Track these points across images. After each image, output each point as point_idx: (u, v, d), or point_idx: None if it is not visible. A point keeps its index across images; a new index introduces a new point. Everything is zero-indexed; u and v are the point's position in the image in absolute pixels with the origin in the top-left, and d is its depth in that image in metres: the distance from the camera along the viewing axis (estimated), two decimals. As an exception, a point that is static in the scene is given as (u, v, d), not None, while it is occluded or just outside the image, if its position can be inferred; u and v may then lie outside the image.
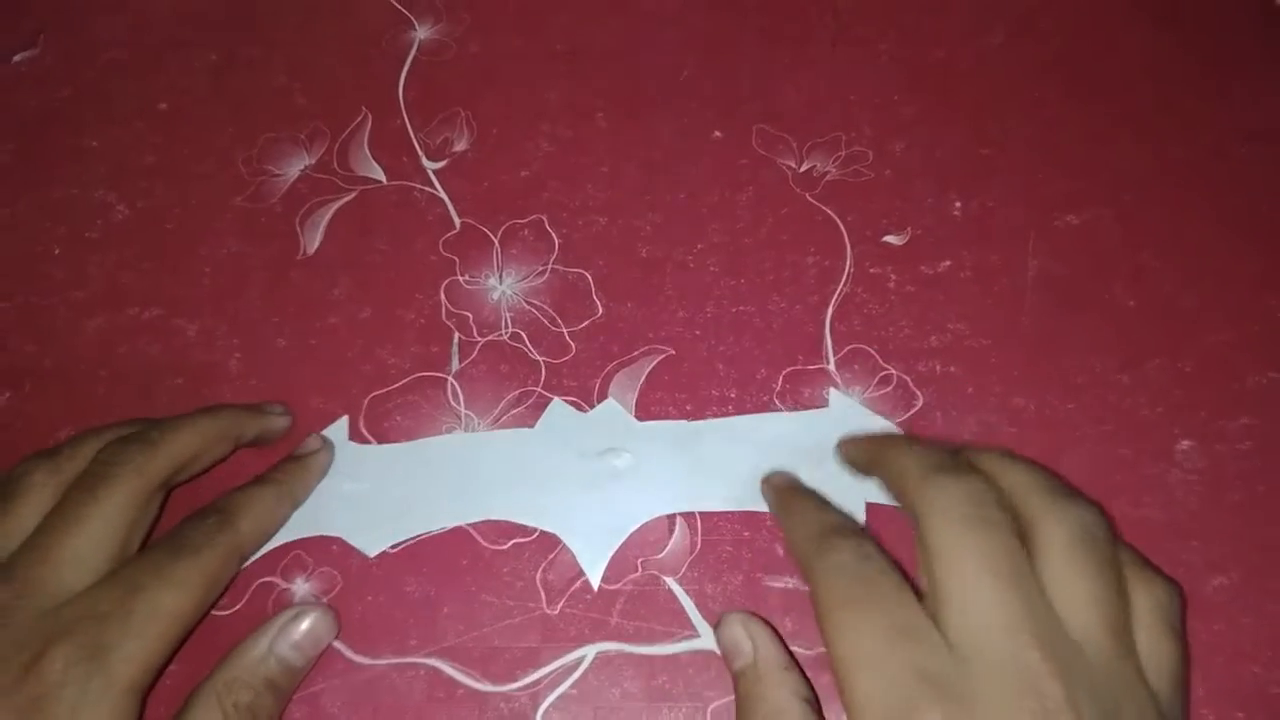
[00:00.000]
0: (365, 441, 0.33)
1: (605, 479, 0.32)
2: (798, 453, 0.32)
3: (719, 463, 0.32)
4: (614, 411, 0.33)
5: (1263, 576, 0.30)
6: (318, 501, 0.32)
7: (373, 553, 0.31)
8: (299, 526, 0.31)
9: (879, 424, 0.32)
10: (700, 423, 0.33)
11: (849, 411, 0.32)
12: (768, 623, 0.28)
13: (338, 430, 0.33)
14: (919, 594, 0.24)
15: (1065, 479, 0.27)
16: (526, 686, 0.29)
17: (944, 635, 0.23)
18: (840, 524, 0.27)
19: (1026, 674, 0.21)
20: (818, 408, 0.33)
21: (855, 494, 0.31)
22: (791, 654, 0.27)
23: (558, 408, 0.33)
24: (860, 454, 0.30)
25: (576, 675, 0.29)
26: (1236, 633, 0.29)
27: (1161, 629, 0.24)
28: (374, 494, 0.32)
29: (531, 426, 0.33)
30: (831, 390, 0.33)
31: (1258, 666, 0.29)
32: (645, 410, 0.33)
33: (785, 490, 0.30)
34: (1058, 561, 0.23)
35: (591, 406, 0.33)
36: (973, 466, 0.26)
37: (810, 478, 0.31)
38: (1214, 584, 0.30)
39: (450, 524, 0.31)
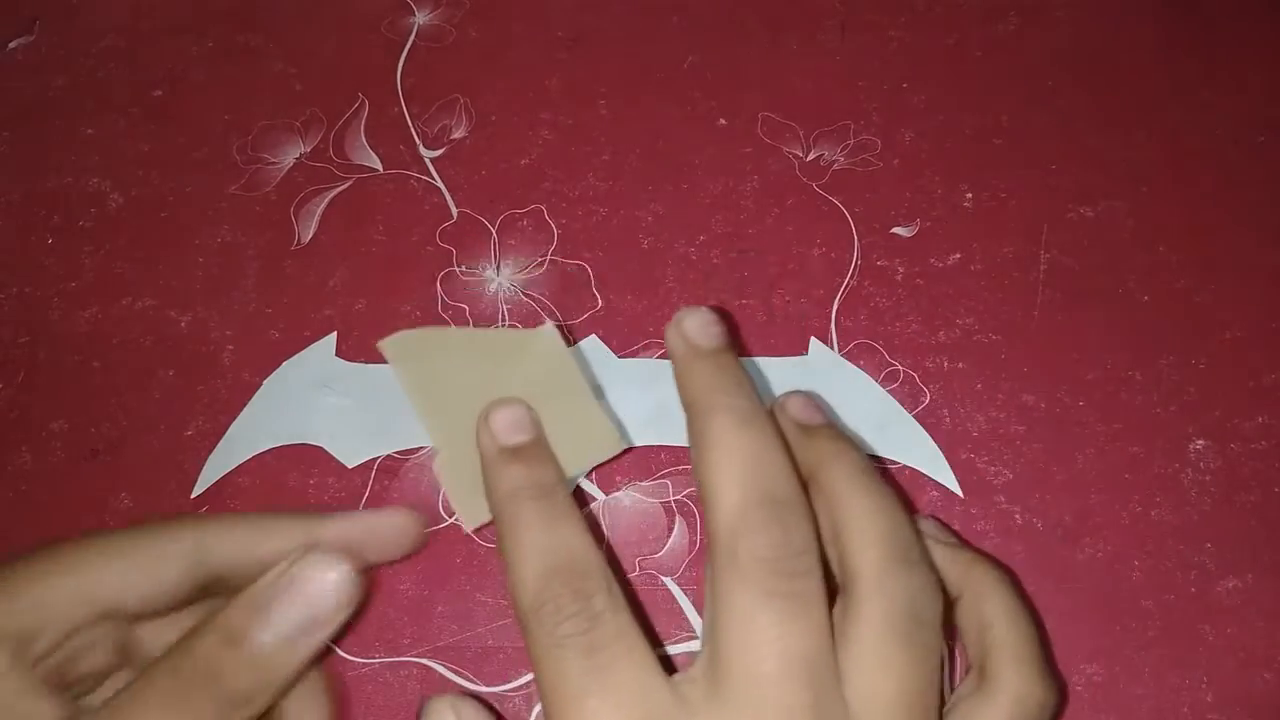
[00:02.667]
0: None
1: None
2: (771, 398, 0.32)
3: None
4: (595, 347, 0.33)
5: (1276, 579, 0.29)
6: (302, 412, 0.32)
7: (352, 464, 0.31)
8: (282, 434, 0.32)
9: (856, 375, 0.32)
10: None
11: (827, 361, 0.32)
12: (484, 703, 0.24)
13: (326, 345, 0.34)
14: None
15: (911, 522, 0.22)
16: (521, 687, 0.29)
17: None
18: (572, 561, 0.21)
19: None
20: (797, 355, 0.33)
21: None
22: None
23: None
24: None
25: (572, 676, 0.29)
26: (1249, 637, 0.28)
27: None
28: (357, 409, 0.32)
29: None
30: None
31: (1270, 673, 0.28)
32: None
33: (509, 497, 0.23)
34: (867, 647, 0.20)
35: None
36: (796, 505, 0.21)
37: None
38: (1227, 587, 0.29)
39: (430, 444, 0.32)
